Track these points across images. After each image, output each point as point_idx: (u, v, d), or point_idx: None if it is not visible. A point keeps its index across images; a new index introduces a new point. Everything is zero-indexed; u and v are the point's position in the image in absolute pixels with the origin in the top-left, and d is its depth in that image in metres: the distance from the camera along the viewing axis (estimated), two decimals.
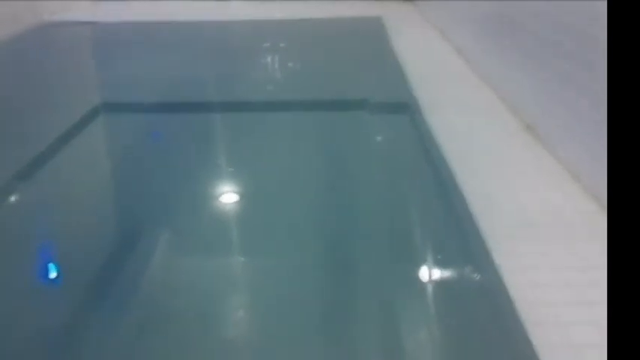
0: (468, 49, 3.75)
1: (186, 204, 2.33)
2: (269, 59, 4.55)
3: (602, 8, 1.79)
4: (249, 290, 1.86)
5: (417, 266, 1.89)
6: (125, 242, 2.12)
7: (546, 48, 2.44)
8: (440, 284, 1.82)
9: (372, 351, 1.51)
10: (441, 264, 1.90)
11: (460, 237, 1.96)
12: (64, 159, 2.76)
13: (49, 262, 1.98)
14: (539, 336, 1.40)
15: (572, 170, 2.17)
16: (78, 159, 2.83)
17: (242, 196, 2.48)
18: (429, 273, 1.87)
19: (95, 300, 1.75)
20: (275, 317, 1.64)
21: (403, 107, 3.17)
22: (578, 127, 2.13)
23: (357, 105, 3.29)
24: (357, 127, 3.12)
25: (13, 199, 2.41)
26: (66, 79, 3.94)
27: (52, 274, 1.94)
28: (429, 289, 1.82)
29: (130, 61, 4.29)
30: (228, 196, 2.50)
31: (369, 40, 4.74)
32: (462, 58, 3.78)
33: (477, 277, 1.78)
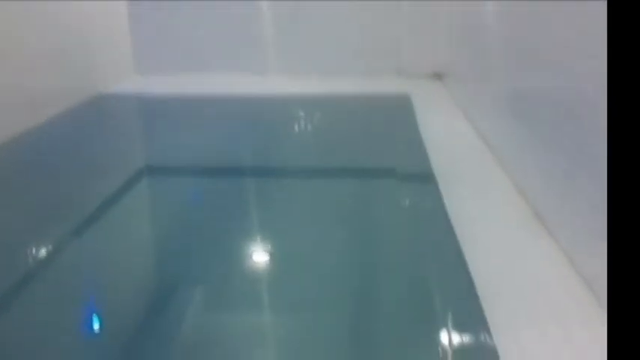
0: (487, 130, 3.97)
1: (221, 262, 2.60)
2: (302, 131, 4.89)
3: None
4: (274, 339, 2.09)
5: (423, 329, 2.06)
6: (162, 297, 2.38)
7: (559, 138, 2.62)
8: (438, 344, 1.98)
9: None
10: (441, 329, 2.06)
11: (462, 311, 2.14)
12: (111, 218, 3.10)
13: (94, 312, 2.24)
14: None
15: (572, 261, 2.33)
16: (123, 218, 3.17)
17: (274, 257, 2.74)
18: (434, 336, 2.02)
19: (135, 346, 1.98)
20: None
21: (422, 180, 3.45)
22: (581, 222, 2.29)
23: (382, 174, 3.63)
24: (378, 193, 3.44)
25: (65, 255, 2.70)
26: (116, 147, 4.36)
27: (96, 323, 2.19)
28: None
29: (174, 132, 4.71)
30: (261, 256, 2.79)
31: (396, 117, 5.04)
32: (482, 139, 4.00)
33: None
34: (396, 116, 5.10)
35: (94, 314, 2.26)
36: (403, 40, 6.32)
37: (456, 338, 2.02)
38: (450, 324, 2.11)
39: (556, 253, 2.44)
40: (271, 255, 2.78)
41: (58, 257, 2.69)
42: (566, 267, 2.33)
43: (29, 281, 2.48)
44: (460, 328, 2.08)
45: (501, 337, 1.90)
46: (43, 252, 2.72)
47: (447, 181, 3.26)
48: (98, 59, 5.67)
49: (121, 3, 6.27)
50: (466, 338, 2.03)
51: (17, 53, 4.33)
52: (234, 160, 4.07)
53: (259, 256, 2.81)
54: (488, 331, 1.95)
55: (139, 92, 5.89)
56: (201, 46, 6.54)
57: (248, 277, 2.59)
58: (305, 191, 3.57)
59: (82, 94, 5.33)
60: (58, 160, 3.99)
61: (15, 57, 4.30)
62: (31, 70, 4.51)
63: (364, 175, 3.78)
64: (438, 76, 6.18)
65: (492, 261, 2.40)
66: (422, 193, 3.40)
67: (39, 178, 3.63)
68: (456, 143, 4.04)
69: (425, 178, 3.43)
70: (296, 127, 4.95)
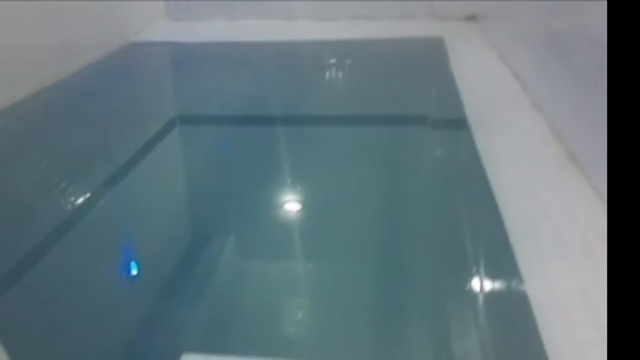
0: (523, 71, 3.86)
1: (252, 209, 2.66)
2: (333, 77, 4.84)
3: None
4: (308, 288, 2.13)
5: (454, 268, 2.10)
6: (196, 243, 2.46)
7: (594, 78, 2.54)
8: (470, 288, 2.01)
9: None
10: (473, 270, 2.09)
11: (492, 249, 2.15)
12: (145, 166, 3.18)
13: (131, 259, 2.33)
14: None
15: (601, 196, 2.29)
16: (156, 165, 3.25)
17: (303, 204, 2.79)
18: (466, 278, 2.06)
19: (170, 292, 2.06)
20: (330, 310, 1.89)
21: (455, 126, 3.40)
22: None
23: (411, 121, 3.61)
24: (406, 141, 3.43)
25: (102, 202, 2.79)
26: (149, 95, 4.42)
27: (134, 269, 2.28)
28: (464, 291, 2.00)
29: (205, 79, 4.72)
30: (290, 204, 2.82)
31: (429, 61, 4.94)
32: (518, 80, 3.90)
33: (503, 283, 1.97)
34: (429, 60, 4.98)
35: (131, 258, 2.35)
36: None
37: (485, 273, 2.05)
38: (479, 260, 2.13)
39: (588, 192, 2.41)
40: (305, 201, 2.82)
41: (94, 203, 2.77)
42: (598, 206, 2.30)
43: (69, 226, 2.57)
44: (489, 264, 2.10)
45: (529, 272, 1.91)
46: (79, 198, 2.81)
47: (480, 124, 3.21)
48: (129, 6, 5.67)
49: None
50: (494, 274, 2.05)
51: (49, 3, 4.36)
52: (265, 107, 4.07)
53: (292, 203, 2.84)
54: (515, 266, 1.96)
55: (169, 39, 5.88)
56: None
57: (281, 224, 2.65)
58: (336, 138, 3.57)
59: (114, 41, 5.37)
60: (92, 108, 4.06)
61: (47, 6, 4.33)
62: (63, 20, 4.54)
63: (398, 122, 3.74)
64: (472, 18, 5.98)
65: (523, 201, 2.39)
66: (454, 137, 3.36)
67: (73, 126, 3.72)
68: (490, 86, 3.94)
69: (458, 122, 3.38)
70: (327, 74, 4.89)
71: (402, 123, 3.72)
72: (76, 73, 4.63)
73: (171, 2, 6.58)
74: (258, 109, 4.03)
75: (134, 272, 2.27)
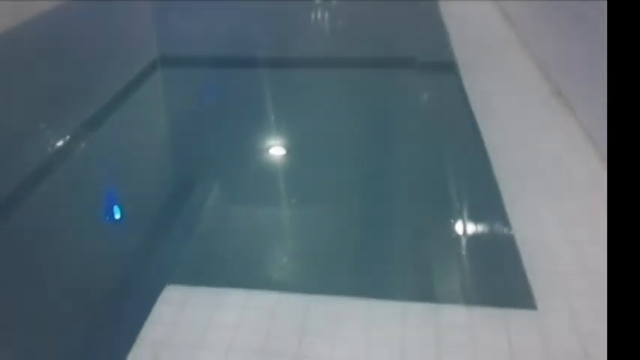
0: (512, 10, 3.77)
1: (236, 154, 2.60)
2: (319, 17, 4.71)
3: None
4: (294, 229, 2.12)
5: (441, 207, 2.10)
6: (178, 188, 2.42)
7: (582, 14, 2.49)
8: (457, 222, 2.03)
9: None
10: (459, 206, 2.11)
11: (478, 184, 2.18)
12: (126, 109, 3.09)
13: (116, 201, 2.30)
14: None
15: (588, 133, 2.28)
16: (138, 109, 3.15)
17: (289, 148, 2.73)
18: (451, 214, 2.06)
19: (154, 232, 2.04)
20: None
21: (443, 68, 3.34)
22: (603, 99, 2.22)
23: (402, 63, 3.53)
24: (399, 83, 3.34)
25: (83, 146, 2.72)
26: (129, 34, 4.30)
27: (117, 212, 2.25)
28: (450, 226, 2.02)
29: (190, 16, 4.58)
30: (275, 149, 2.76)
31: (418, 1, 4.81)
32: (507, 20, 3.81)
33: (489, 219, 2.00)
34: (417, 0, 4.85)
35: (113, 203, 2.30)
36: None
37: (472, 214, 2.05)
38: (466, 201, 2.13)
39: (575, 130, 2.39)
40: (291, 145, 2.75)
41: (74, 147, 2.70)
42: (585, 143, 2.29)
43: (49, 171, 2.51)
44: (476, 204, 2.10)
45: (514, 209, 1.92)
46: (58, 143, 2.74)
47: (469, 65, 3.15)
48: None
49: None
50: (481, 214, 2.05)
51: None
52: (254, 50, 3.93)
53: (277, 147, 2.76)
54: (501, 203, 1.97)
55: None
56: None
57: (265, 168, 2.59)
58: (324, 80, 3.47)
59: None
60: (71, 45, 3.93)
61: None
62: None
63: (387, 65, 3.65)
64: None
65: (510, 139, 2.37)
66: (443, 79, 3.29)
67: (53, 63, 3.60)
68: (478, 25, 3.86)
69: (446, 64, 3.31)
70: (313, 13, 4.76)
71: (391, 65, 3.64)
72: (54, 10, 4.46)
73: None
74: (243, 49, 3.92)
75: (117, 215, 2.23)
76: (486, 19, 3.96)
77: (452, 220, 2.05)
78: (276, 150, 2.74)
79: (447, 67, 3.28)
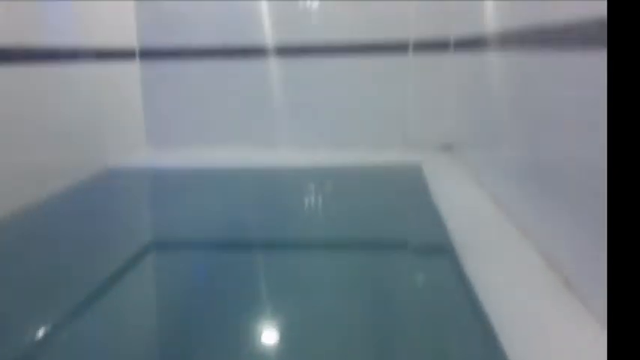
0: (506, 199, 3.87)
1: (228, 338, 2.43)
2: (314, 204, 4.79)
3: None
4: None
5: None
6: None
7: (584, 198, 2.51)
8: None
9: None
10: None
11: None
12: (117, 293, 2.95)
13: None
14: None
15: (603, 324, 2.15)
16: (129, 292, 3.01)
17: (282, 334, 2.55)
18: None
19: None
20: None
21: (440, 251, 3.31)
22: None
23: (397, 246, 3.51)
24: (395, 266, 3.27)
25: (64, 335, 2.53)
26: (124, 221, 4.27)
27: None
28: None
29: (184, 206, 4.63)
30: (269, 333, 2.58)
31: (409, 188, 4.98)
32: (499, 207, 3.89)
33: None
34: (408, 187, 5.02)
35: None
36: (411, 113, 6.36)
37: None
38: None
39: (591, 325, 2.26)
40: (284, 333, 2.60)
41: (57, 337, 2.52)
42: (598, 332, 2.15)
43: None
44: None
45: None
46: (41, 332, 2.56)
47: (468, 252, 3.11)
48: (109, 132, 5.73)
49: (134, 76, 6.43)
50: None
51: (27, 125, 4.35)
52: (245, 234, 3.95)
53: (272, 333, 2.62)
54: None
55: (149, 165, 5.88)
56: (212, 118, 6.63)
57: (254, 349, 2.42)
58: (317, 266, 3.40)
59: (92, 167, 5.32)
60: (61, 234, 3.89)
61: (24, 129, 4.31)
62: (39, 143, 4.51)
63: (380, 248, 3.64)
64: (447, 147, 6.16)
65: (524, 334, 2.22)
66: (442, 266, 3.24)
67: (41, 252, 3.53)
68: (472, 212, 3.92)
69: (444, 249, 3.29)
70: (307, 200, 4.87)
71: (385, 248, 3.62)
72: (48, 198, 4.51)
73: (152, 128, 6.68)
74: (238, 235, 3.91)
75: None
76: (479, 206, 4.04)
77: None
78: (269, 338, 2.57)
79: (445, 252, 3.24)
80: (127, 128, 6.28)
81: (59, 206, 4.47)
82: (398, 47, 6.20)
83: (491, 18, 4.34)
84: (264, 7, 6.29)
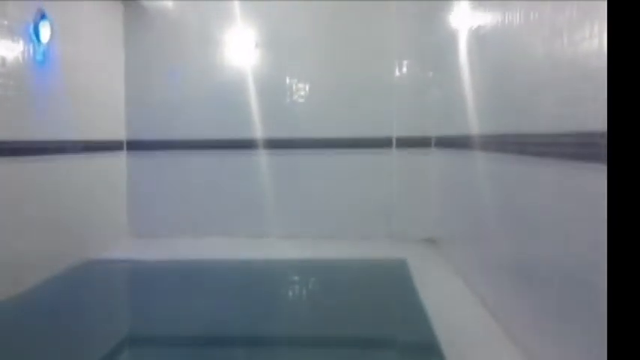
0: (489, 296, 3.85)
1: None
2: (300, 297, 4.72)
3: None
4: None
5: None
6: None
7: (570, 301, 2.50)
8: None
9: None
10: None
11: None
12: None
13: None
14: None
15: None
16: None
17: None
18: None
19: None
20: None
21: (427, 350, 3.24)
22: None
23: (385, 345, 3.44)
24: None
25: None
26: (100, 316, 4.14)
27: None
28: None
29: (165, 298, 4.52)
30: None
31: (394, 283, 4.95)
32: (484, 305, 3.86)
33: None
34: (394, 281, 5.00)
35: None
36: (396, 207, 6.45)
37: None
38: None
39: None
40: None
41: None
42: None
43: None
44: None
45: None
46: None
47: (454, 352, 3.05)
48: (92, 223, 5.69)
49: (120, 167, 6.49)
50: None
51: (11, 216, 4.32)
52: (228, 330, 3.83)
53: None
54: None
55: (131, 256, 5.80)
56: (197, 210, 6.64)
57: None
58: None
59: (72, 258, 5.23)
60: (36, 330, 3.75)
61: (7, 220, 4.27)
62: (20, 236, 4.46)
63: (367, 347, 3.55)
64: (431, 241, 6.19)
65: None
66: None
67: (13, 349, 3.38)
68: (457, 310, 3.89)
69: (430, 349, 3.22)
70: (293, 295, 4.79)
71: (372, 347, 3.53)
72: (26, 292, 4.39)
73: (134, 219, 6.65)
74: (219, 330, 3.79)
75: None
76: (464, 306, 4.01)
77: None
78: None
79: (431, 351, 3.17)
80: (110, 219, 6.25)
81: (36, 300, 4.35)
82: (382, 143, 6.41)
83: (469, 121, 4.52)
84: (253, 102, 6.52)
